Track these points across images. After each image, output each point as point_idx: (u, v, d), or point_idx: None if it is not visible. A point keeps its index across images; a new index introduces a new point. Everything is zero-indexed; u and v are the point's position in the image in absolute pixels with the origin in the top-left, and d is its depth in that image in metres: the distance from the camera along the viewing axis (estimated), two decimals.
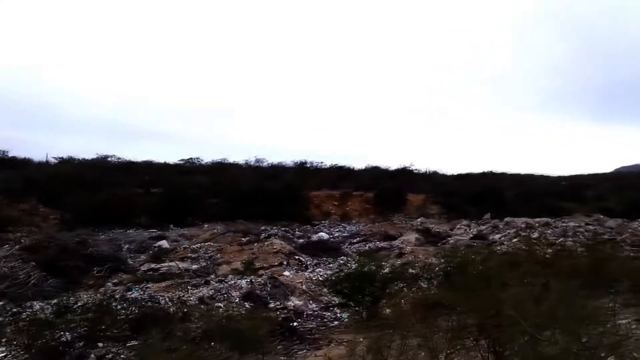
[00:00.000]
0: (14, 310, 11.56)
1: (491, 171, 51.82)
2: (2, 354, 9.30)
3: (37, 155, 44.99)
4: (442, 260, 13.44)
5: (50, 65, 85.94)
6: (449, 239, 24.38)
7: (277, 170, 46.22)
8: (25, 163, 42.90)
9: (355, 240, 26.29)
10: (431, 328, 7.20)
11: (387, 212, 36.03)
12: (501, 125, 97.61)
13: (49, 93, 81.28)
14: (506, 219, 27.58)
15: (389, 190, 38.38)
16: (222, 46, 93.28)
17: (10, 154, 44.03)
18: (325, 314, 13.35)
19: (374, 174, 46.56)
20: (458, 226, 28.65)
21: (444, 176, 50.57)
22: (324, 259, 20.77)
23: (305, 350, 9.73)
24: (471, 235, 24.73)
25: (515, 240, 21.63)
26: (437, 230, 27.38)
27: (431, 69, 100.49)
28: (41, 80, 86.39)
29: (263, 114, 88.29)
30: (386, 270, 12.77)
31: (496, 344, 5.79)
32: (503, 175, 50.70)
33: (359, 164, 57.98)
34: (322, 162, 49.57)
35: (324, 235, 27.36)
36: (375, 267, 12.34)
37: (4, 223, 26.79)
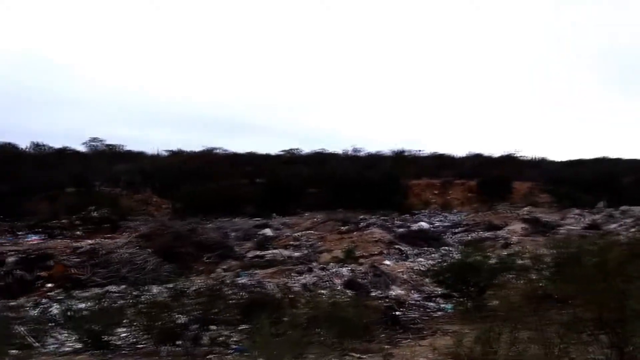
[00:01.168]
0: (135, 293, 12.43)
1: (605, 157, 48.41)
2: (124, 335, 10.04)
3: (150, 149, 47.96)
4: (554, 250, 12.78)
5: (158, 65, 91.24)
6: (559, 229, 23.14)
7: (375, 159, 46.07)
8: (140, 156, 45.93)
9: (457, 230, 25.67)
10: (544, 321, 6.90)
11: (491, 201, 34.83)
12: (617, 108, 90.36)
13: (158, 90, 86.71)
14: (622, 208, 25.74)
15: (493, 178, 37.07)
16: (314, 37, 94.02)
17: (126, 148, 47.46)
18: (428, 304, 13.19)
19: (477, 161, 45.10)
20: (569, 215, 27.11)
21: (553, 163, 47.96)
22: (425, 248, 20.50)
23: (409, 340, 9.66)
24: (584, 225, 23.31)
25: (635, 229, 20.13)
26: (546, 219, 26.06)
27: (535, 50, 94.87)
28: (150, 78, 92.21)
29: (359, 104, 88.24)
30: (492, 260, 12.36)
31: (619, 339, 5.43)
32: (618, 161, 47.23)
33: (460, 151, 56.34)
34: (420, 150, 48.74)
35: (424, 224, 26.96)
36: (481, 258, 11.98)
37: (123, 212, 28.94)
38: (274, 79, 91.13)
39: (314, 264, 16.41)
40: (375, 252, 19.03)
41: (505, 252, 17.08)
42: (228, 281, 13.03)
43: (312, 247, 20.28)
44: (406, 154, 48.00)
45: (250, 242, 21.31)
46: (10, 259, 15.01)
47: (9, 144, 44.91)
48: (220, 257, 18.03)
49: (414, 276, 15.42)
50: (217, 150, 46.46)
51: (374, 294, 13.37)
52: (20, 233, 23.81)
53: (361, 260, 17.04)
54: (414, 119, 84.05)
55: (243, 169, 40.17)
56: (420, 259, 18.46)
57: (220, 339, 9.59)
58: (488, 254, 13.26)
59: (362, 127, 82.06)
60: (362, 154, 48.32)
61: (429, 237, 22.59)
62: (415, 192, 37.52)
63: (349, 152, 48.32)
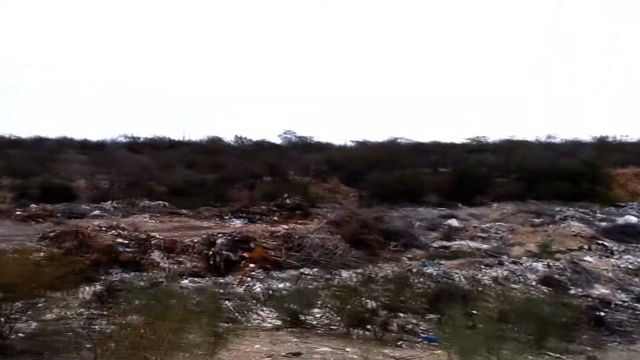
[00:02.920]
0: (327, 277, 13.08)
1: None
2: (319, 315, 10.59)
3: (337, 139, 50.17)
4: None
5: (340, 59, 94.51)
6: None
7: (572, 146, 42.57)
8: (328, 147, 48.15)
9: None
10: None
11: None
12: None
13: (342, 83, 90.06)
14: None
15: None
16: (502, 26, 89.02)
17: (315, 140, 50.13)
18: (638, 306, 11.86)
19: None
20: None
21: None
22: (634, 244, 18.39)
23: (617, 343, 8.79)
24: None
25: None
26: None
27: None
28: (334, 72, 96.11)
29: (553, 88, 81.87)
30: None
31: None
32: None
33: None
34: (627, 136, 43.77)
35: (632, 218, 24.17)
36: None
37: (313, 200, 30.63)
38: (453, 66, 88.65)
39: (505, 257, 15.69)
40: (574, 247, 17.59)
41: None
42: (414, 270, 13.04)
43: (502, 240, 19.40)
44: (610, 140, 43.54)
45: (436, 232, 21.07)
46: (219, 241, 16.71)
47: (216, 137, 50.31)
48: (406, 246, 18.12)
49: (621, 275, 13.97)
50: (401, 140, 46.81)
51: (573, 292, 12.39)
52: (226, 217, 26.46)
53: (558, 255, 15.85)
54: (617, 102, 75.48)
55: (427, 158, 39.93)
56: (629, 256, 16.63)
57: (409, 326, 9.65)
58: None
59: (556, 112, 76.08)
60: (557, 140, 45.02)
61: (638, 232, 20.21)
62: (621, 182, 33.84)
63: (542, 139, 45.29)
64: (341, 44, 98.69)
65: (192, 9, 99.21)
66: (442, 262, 14.59)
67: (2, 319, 8.69)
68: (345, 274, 13.11)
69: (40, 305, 9.78)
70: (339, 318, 9.87)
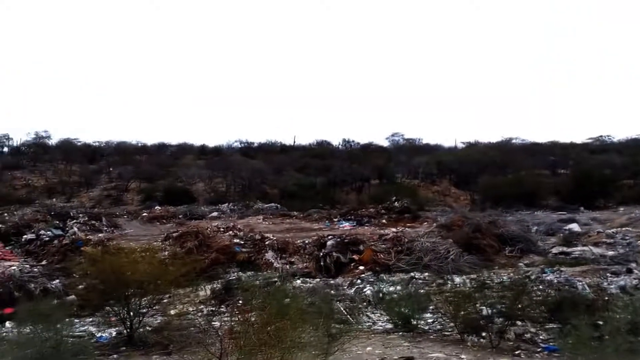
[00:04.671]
0: (439, 281, 12.84)
1: None
2: (430, 320, 10.41)
3: (446, 141, 49.15)
4: None
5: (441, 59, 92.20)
6: None
7: None
8: (437, 149, 47.26)
9: None
10: None
11: None
12: None
13: (451, 82, 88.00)
14: None
15: None
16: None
17: (423, 142, 49.44)
18: None
19: None
20: None
21: None
22: None
23: None
24: None
25: None
26: None
27: None
28: (444, 70, 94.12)
29: None
30: None
31: None
32: None
33: None
34: None
35: None
36: None
37: (422, 203, 30.22)
38: (572, 61, 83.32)
39: (634, 264, 14.51)
40: None
41: None
42: (533, 277, 12.42)
43: (630, 246, 17.95)
44: None
45: (555, 237, 19.93)
46: (329, 242, 16.94)
47: (325, 141, 51.18)
48: (522, 252, 17.30)
49: None
50: (515, 140, 44.89)
51: None
52: (335, 219, 26.81)
53: None
54: None
55: (544, 158, 37.99)
56: None
57: (527, 335, 9.22)
58: None
59: None
60: None
61: None
62: None
63: None
64: (445, 43, 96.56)
65: (299, 19, 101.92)
66: (563, 268, 13.77)
67: (132, 313, 9.47)
68: (458, 279, 12.78)
69: (165, 300, 10.51)
70: (452, 324, 9.65)
